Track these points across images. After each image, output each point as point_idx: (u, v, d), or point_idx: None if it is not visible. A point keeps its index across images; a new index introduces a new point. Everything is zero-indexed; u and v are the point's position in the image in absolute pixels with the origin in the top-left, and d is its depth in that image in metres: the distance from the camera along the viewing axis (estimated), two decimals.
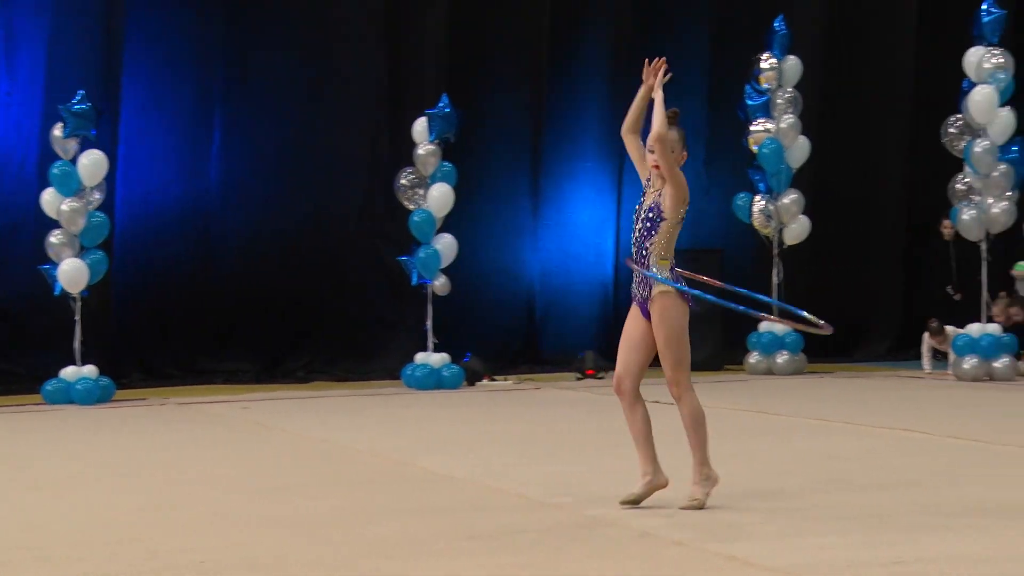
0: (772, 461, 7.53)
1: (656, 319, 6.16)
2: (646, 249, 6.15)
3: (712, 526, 5.74)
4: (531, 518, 6.03)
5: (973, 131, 13.10)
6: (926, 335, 14.08)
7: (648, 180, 6.29)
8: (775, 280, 14.21)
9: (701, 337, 14.60)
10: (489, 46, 15.09)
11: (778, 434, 9.04)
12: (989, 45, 13.08)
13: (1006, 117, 12.99)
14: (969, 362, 12.98)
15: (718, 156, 15.67)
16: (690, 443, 6.25)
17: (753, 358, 14.31)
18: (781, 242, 14.31)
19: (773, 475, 6.69)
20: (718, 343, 14.60)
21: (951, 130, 13.29)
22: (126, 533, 5.84)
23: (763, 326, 14.26)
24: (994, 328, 13.11)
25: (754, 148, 14.27)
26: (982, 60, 12.98)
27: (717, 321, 14.54)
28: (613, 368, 15.17)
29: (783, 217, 14.20)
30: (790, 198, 14.23)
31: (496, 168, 15.09)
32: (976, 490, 6.60)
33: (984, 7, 13.17)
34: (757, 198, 14.34)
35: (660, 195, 6.17)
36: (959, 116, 13.18)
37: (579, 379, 14.02)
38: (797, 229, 14.29)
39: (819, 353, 14.88)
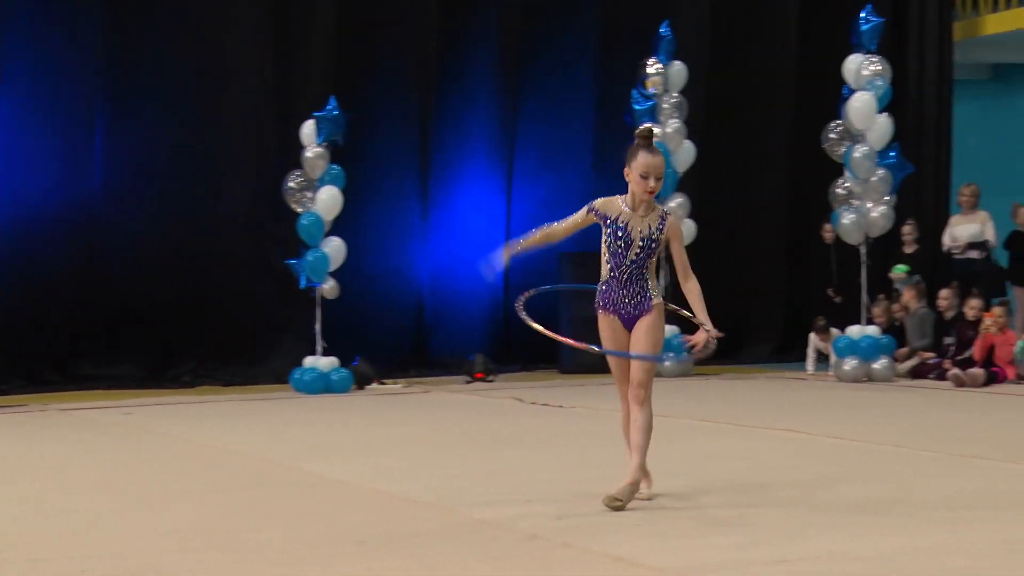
0: (659, 462, 7.58)
1: (646, 327, 6.31)
2: (645, 270, 6.33)
3: (600, 528, 5.77)
4: (420, 522, 6.01)
5: (853, 137, 13.36)
6: (812, 335, 14.32)
7: (601, 214, 6.33)
8: (662, 283, 14.34)
9: (588, 341, 14.69)
10: (377, 48, 15.02)
11: (665, 435, 9.10)
12: (868, 52, 13.34)
13: (884, 123, 13.27)
14: (849, 363, 13.23)
15: (606, 160, 15.77)
16: (634, 447, 6.31)
17: None
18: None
19: (660, 476, 6.74)
20: None
21: (831, 136, 13.53)
22: (5, 541, 5.69)
23: None
24: (873, 330, 13.38)
25: None
26: (861, 67, 13.24)
27: None
28: (502, 371, 15.22)
29: None
30: (676, 202, 14.36)
31: (385, 171, 15.02)
32: (856, 489, 6.72)
33: (863, 15, 13.44)
34: None
35: (660, 225, 6.30)
36: (839, 122, 13.42)
37: (469, 382, 14.02)
38: (683, 233, 14.45)
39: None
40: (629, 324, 6.39)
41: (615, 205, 6.36)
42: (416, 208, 15.21)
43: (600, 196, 16.81)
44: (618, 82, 15.15)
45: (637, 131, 6.50)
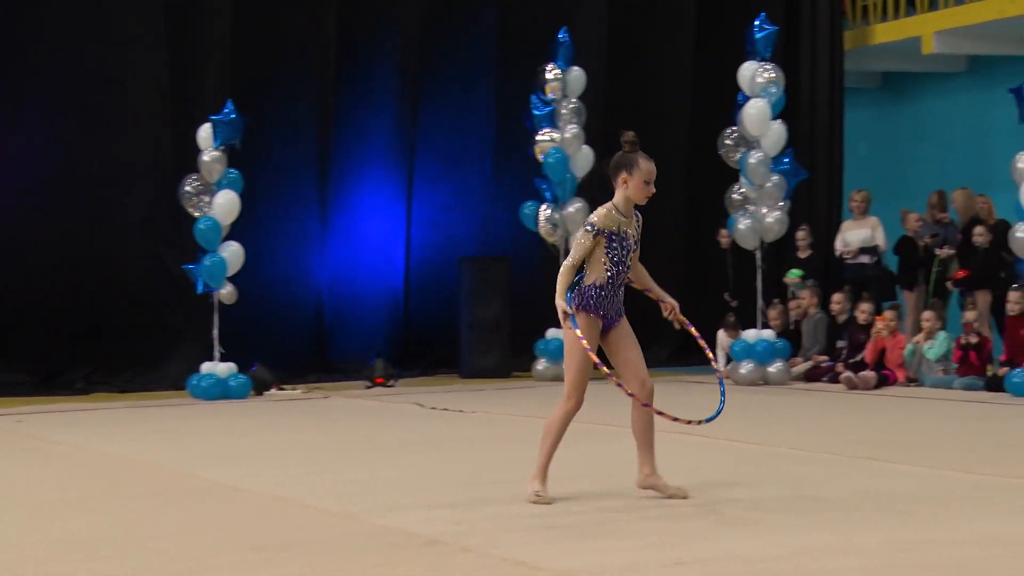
0: (560, 466, 7.61)
1: (630, 333, 6.65)
2: (627, 273, 6.60)
3: (499, 532, 5.77)
4: (320, 528, 5.97)
5: (748, 143, 13.52)
6: (721, 332, 14.44)
7: (607, 232, 6.46)
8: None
9: (488, 345, 14.71)
10: (275, 52, 14.89)
11: (565, 440, 9.13)
12: (762, 60, 13.52)
13: (778, 130, 13.45)
14: (745, 367, 13.38)
15: (506, 165, 15.80)
16: (647, 440, 6.57)
17: (541, 364, 14.43)
18: (567, 250, 14.46)
19: (560, 480, 6.77)
20: (505, 350, 14.70)
21: (727, 142, 13.69)
22: None
23: (550, 332, 14.39)
24: (769, 334, 13.55)
25: (540, 157, 14.44)
26: (755, 75, 13.41)
27: (504, 328, 14.65)
28: (402, 376, 15.10)
29: (568, 226, 14.37)
30: (575, 207, 14.41)
31: (283, 175, 14.90)
32: (753, 491, 6.80)
33: (756, 23, 13.62)
34: (543, 207, 14.50)
35: (639, 222, 6.60)
36: (734, 128, 13.59)
37: (369, 387, 13.95)
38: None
39: (605, 360, 15.09)
40: (606, 328, 6.59)
41: (613, 218, 6.49)
42: (315, 212, 15.11)
43: (500, 201, 16.59)
44: (517, 87, 15.17)
45: (625, 138, 6.63)
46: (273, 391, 13.42)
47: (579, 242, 6.47)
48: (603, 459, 8.12)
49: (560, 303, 6.44)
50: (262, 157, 14.39)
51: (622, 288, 6.60)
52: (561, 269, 6.50)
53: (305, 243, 15.09)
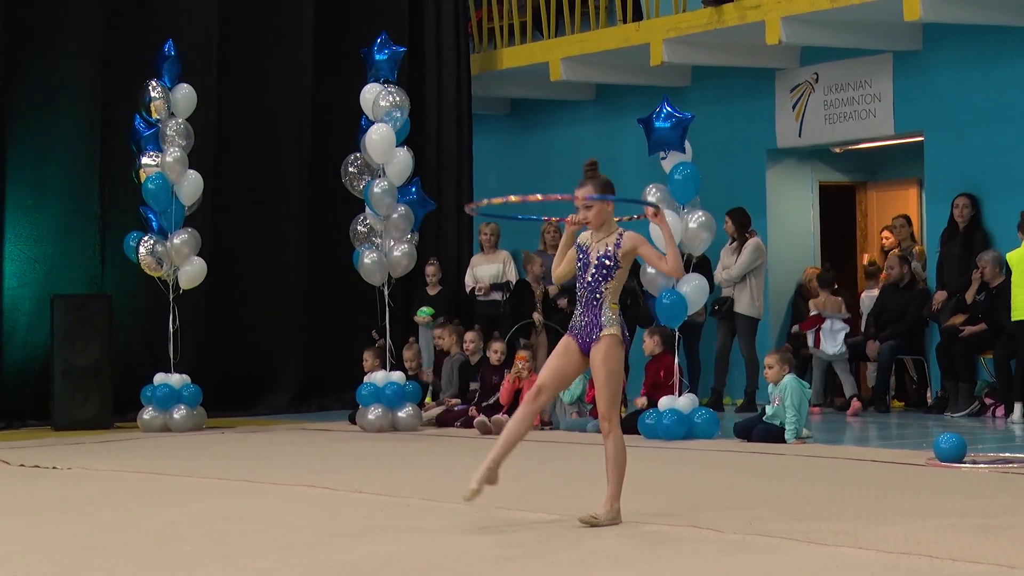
0: (164, 526, 7.44)
1: (600, 358, 7.09)
2: (600, 294, 7.11)
3: None
4: None
5: (372, 171, 13.62)
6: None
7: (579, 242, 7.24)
8: (171, 328, 14.01)
9: (86, 393, 14.16)
10: None
11: (171, 496, 8.94)
12: (385, 83, 13.67)
13: (403, 157, 13.59)
14: (373, 412, 13.40)
15: (112, 192, 15.22)
16: (609, 477, 7.12)
17: (147, 414, 13.99)
18: (177, 286, 14.11)
19: (164, 541, 6.61)
20: (106, 398, 14.22)
21: (351, 169, 13.74)
22: None
23: (158, 378, 13.97)
24: (399, 376, 13.56)
25: (143, 183, 14.05)
26: (378, 98, 13.54)
27: (105, 374, 14.16)
28: None
29: (175, 259, 14.00)
30: (181, 238, 14.03)
31: None
32: (380, 547, 6.83)
33: (378, 43, 13.76)
34: (146, 238, 14.06)
35: (617, 245, 7.11)
36: (358, 155, 13.66)
37: None
38: (192, 272, 14.12)
39: (219, 407, 14.86)
40: (586, 348, 7.18)
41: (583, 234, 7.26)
42: None
43: (105, 231, 16.20)
44: (123, 105, 14.67)
45: (587, 162, 7.32)
46: None
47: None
48: (210, 515, 7.98)
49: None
50: None
51: (594, 311, 7.11)
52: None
53: None
